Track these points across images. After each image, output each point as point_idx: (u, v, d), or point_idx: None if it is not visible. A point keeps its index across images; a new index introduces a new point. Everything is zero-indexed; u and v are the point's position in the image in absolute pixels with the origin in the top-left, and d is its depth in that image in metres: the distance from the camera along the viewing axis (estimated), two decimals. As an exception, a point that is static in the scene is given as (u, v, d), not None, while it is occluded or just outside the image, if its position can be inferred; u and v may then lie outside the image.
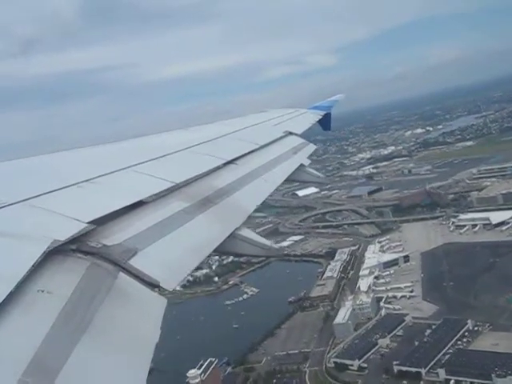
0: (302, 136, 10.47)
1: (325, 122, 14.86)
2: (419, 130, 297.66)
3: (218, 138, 7.96)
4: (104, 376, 2.38)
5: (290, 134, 10.09)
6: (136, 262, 3.28)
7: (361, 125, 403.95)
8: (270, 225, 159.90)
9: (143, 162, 5.53)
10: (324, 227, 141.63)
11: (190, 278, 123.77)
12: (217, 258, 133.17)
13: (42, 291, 2.69)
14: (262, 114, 12.20)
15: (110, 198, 4.28)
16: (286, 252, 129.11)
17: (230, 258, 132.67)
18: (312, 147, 9.94)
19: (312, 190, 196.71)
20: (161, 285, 3.22)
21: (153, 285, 3.19)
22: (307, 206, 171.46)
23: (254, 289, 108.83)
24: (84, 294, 2.78)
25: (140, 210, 4.25)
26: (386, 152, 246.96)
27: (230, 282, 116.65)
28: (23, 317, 2.47)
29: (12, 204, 3.70)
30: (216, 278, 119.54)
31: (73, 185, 4.33)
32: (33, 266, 2.74)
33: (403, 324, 76.49)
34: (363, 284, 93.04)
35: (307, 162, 8.70)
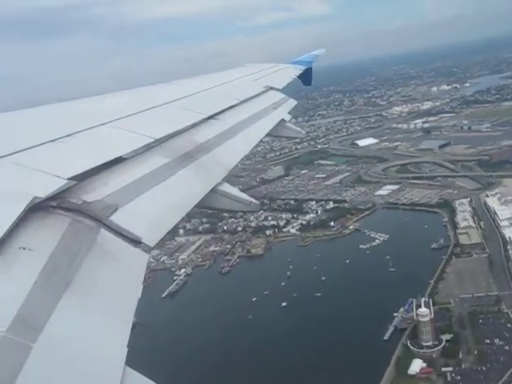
0: (283, 91, 10.33)
1: (306, 77, 14.71)
2: (445, 87, 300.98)
3: (198, 93, 7.92)
4: (87, 332, 2.40)
5: (271, 89, 9.94)
6: (117, 219, 3.27)
7: (373, 78, 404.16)
8: (348, 173, 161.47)
9: (123, 117, 5.43)
10: (414, 178, 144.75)
11: (303, 222, 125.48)
12: (313, 203, 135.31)
13: (24, 248, 2.66)
14: (242, 69, 12.03)
15: (90, 154, 4.19)
16: (390, 200, 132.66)
17: (332, 204, 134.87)
18: (292, 102, 9.81)
19: (371, 140, 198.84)
20: (142, 241, 3.23)
21: (135, 241, 3.20)
22: (377, 156, 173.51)
23: (383, 234, 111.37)
24: (66, 250, 2.77)
25: (120, 165, 4.24)
26: (424, 107, 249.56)
27: (350, 227, 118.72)
28: (5, 274, 2.46)
29: None
30: (332, 223, 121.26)
31: (52, 140, 4.21)
32: (14, 223, 2.70)
33: None
34: (508, 234, 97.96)
35: (288, 117, 8.68)
